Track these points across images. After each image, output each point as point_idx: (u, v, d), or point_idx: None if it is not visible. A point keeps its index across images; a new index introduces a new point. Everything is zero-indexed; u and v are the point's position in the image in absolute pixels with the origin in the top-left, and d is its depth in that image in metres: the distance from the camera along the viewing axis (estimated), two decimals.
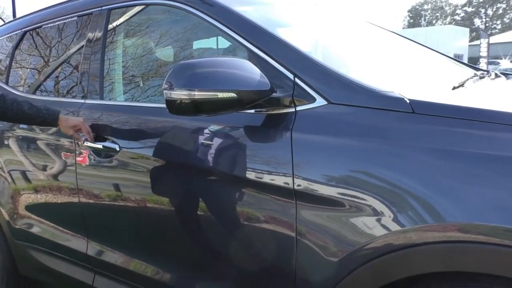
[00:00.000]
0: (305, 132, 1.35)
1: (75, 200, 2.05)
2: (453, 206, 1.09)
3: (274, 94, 1.41)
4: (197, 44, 2.07)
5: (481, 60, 23.80)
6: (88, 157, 1.97)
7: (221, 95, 1.31)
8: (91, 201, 2.00)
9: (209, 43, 2.04)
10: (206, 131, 1.60)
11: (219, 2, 1.72)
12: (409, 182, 1.16)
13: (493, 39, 39.20)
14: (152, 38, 2.13)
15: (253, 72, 1.36)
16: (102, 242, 2.02)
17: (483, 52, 24.14)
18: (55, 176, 2.16)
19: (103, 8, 2.14)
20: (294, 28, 2.00)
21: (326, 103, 1.36)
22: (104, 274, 2.02)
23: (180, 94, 1.32)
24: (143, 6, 2.06)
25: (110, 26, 2.12)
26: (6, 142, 2.40)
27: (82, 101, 2.07)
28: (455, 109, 1.21)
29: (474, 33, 54.19)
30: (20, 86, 2.54)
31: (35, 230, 2.32)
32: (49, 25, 2.48)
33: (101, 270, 2.03)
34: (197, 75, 1.31)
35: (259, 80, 1.35)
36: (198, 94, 1.31)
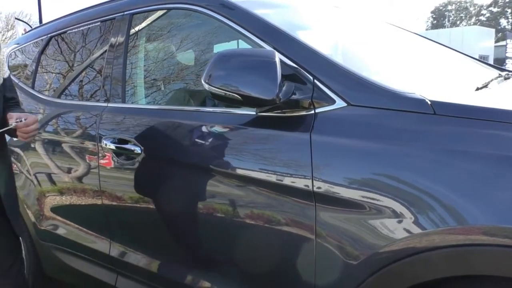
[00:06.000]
0: (325, 134, 1.35)
1: (98, 202, 2.09)
2: (476, 208, 1.08)
3: (293, 96, 1.41)
4: (218, 48, 2.08)
5: (507, 61, 23.30)
6: (111, 159, 2.01)
7: (228, 94, 1.41)
8: (113, 203, 2.03)
9: (230, 46, 2.05)
10: (225, 133, 1.61)
11: (239, 5, 1.73)
12: (430, 185, 1.15)
13: None
14: (173, 42, 2.16)
15: (269, 76, 1.36)
16: (124, 243, 2.05)
17: (510, 53, 23.61)
18: (79, 179, 2.20)
19: (125, 13, 2.18)
20: (315, 31, 2.00)
21: (346, 105, 1.36)
22: (127, 275, 2.05)
23: (205, 85, 1.44)
24: (164, 11, 2.09)
25: (132, 31, 2.16)
26: (32, 145, 2.46)
27: (105, 104, 2.11)
28: (478, 110, 1.19)
29: (500, 33, 53.08)
30: (45, 90, 2.60)
31: (59, 231, 2.37)
32: (73, 30, 2.53)
33: (123, 271, 2.06)
34: (218, 69, 1.42)
35: (266, 87, 1.35)
36: (213, 89, 1.43)
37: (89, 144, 2.14)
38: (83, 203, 2.20)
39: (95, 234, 2.18)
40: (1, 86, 1.81)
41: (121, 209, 2.02)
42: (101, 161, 2.06)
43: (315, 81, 1.42)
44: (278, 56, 1.39)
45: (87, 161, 2.16)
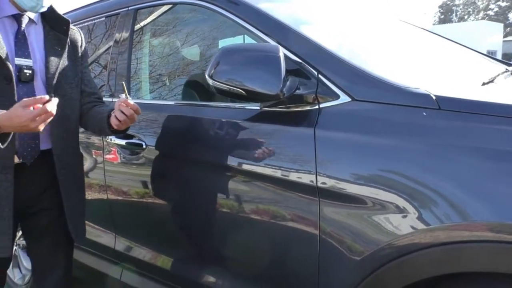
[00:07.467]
0: (329, 129, 1.34)
1: (104, 196, 2.10)
2: (482, 204, 1.07)
3: (298, 91, 1.41)
4: (223, 43, 2.08)
5: None
6: (116, 154, 2.01)
7: (232, 89, 1.40)
8: (119, 197, 2.04)
9: (235, 41, 2.05)
10: (230, 128, 1.61)
11: (244, 0, 1.72)
12: (435, 180, 1.14)
13: None
14: (178, 37, 2.16)
15: (273, 71, 1.35)
16: (129, 238, 2.06)
17: None
18: (85, 173, 2.21)
19: (130, 8, 2.18)
20: (320, 25, 1.99)
21: (350, 100, 1.35)
22: (132, 269, 2.06)
23: (209, 80, 1.44)
24: (169, 6, 2.08)
25: (136, 26, 2.16)
26: None
27: (110, 99, 2.12)
28: (483, 105, 1.18)
29: (509, 28, 52.63)
30: None
31: None
32: (79, 26, 2.54)
33: (128, 265, 2.07)
34: (222, 64, 1.41)
35: (270, 82, 1.35)
36: (217, 84, 1.42)
37: (94, 139, 2.15)
38: (88, 198, 2.20)
39: (101, 229, 2.19)
40: (77, 78, 1.64)
41: (126, 204, 2.02)
42: (106, 156, 2.07)
43: (320, 76, 1.42)
44: (282, 51, 1.38)
45: (93, 156, 2.17)
